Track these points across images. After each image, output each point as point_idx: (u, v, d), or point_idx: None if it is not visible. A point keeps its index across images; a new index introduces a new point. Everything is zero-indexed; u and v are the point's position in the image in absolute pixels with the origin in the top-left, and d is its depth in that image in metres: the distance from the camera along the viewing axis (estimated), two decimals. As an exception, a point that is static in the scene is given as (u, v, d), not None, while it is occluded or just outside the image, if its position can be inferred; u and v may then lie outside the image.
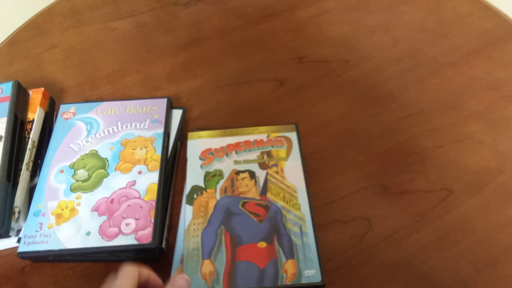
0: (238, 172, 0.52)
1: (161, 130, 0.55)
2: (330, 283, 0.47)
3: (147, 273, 0.38)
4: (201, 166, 0.53)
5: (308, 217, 0.49)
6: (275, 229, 0.47)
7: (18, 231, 0.49)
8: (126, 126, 0.55)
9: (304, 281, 0.43)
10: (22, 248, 0.46)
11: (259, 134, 0.55)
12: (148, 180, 0.50)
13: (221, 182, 0.51)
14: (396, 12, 0.78)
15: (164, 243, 0.48)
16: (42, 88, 0.58)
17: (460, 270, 0.49)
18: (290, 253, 0.45)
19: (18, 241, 0.47)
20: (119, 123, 0.55)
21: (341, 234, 0.51)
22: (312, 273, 0.44)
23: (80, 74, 0.69)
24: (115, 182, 0.50)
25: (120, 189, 0.49)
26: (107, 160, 0.52)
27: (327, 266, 0.48)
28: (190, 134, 0.56)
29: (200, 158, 0.53)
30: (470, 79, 0.67)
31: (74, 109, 0.57)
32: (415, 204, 0.54)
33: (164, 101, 0.58)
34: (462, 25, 0.76)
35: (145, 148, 0.53)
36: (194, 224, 0.48)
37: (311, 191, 0.53)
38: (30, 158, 0.53)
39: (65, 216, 0.47)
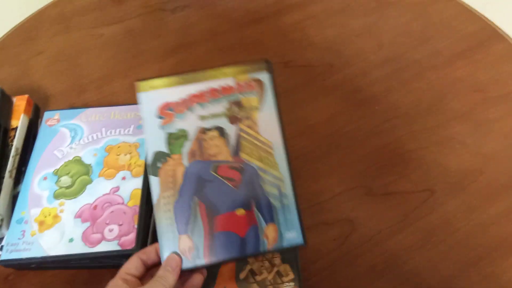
0: (205, 131, 0.45)
1: None
2: (314, 285, 0.48)
3: (135, 264, 0.40)
4: (161, 127, 0.44)
5: (286, 176, 0.44)
6: (253, 193, 0.43)
7: (1, 239, 0.49)
8: (111, 132, 0.55)
9: (286, 244, 0.42)
10: (5, 256, 0.46)
11: (224, 78, 0.46)
12: (132, 186, 0.50)
13: (187, 144, 0.44)
14: (381, 17, 0.79)
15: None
16: (27, 95, 0.59)
17: (442, 270, 0.49)
18: (270, 217, 0.43)
19: (1, 249, 0.47)
20: (103, 129, 0.55)
21: (325, 236, 0.52)
22: (293, 235, 0.42)
23: (66, 80, 0.69)
24: (98, 188, 0.50)
25: (103, 195, 0.49)
26: (91, 166, 0.52)
27: (311, 268, 0.49)
28: (140, 85, 0.45)
29: (158, 116, 0.45)
30: (453, 81, 0.68)
31: (58, 116, 0.57)
32: (398, 205, 0.54)
33: None
34: (446, 28, 0.77)
35: (129, 154, 0.53)
36: (164, 198, 0.43)
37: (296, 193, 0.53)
38: (13, 166, 0.53)
39: (48, 223, 0.48)
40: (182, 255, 0.41)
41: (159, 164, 0.44)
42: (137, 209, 0.48)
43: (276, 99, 0.47)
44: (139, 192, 0.49)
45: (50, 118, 0.56)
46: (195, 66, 0.71)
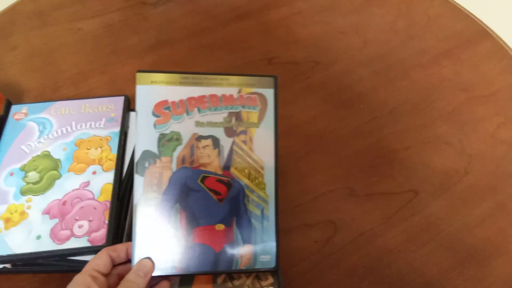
0: (199, 138, 0.43)
1: (117, 129, 0.53)
2: (295, 289, 0.46)
3: (104, 261, 0.38)
4: (155, 125, 0.43)
5: (272, 199, 0.44)
6: (236, 210, 0.43)
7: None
8: (81, 126, 0.53)
9: (258, 266, 0.42)
10: (-32, 254, 0.43)
11: (229, 87, 0.45)
12: (102, 180, 0.48)
13: (179, 149, 0.43)
14: (367, 14, 0.78)
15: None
16: (-2, 91, 0.56)
17: (425, 272, 0.48)
18: (248, 237, 0.42)
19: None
20: (73, 123, 0.53)
21: (307, 238, 0.50)
22: (267, 259, 0.42)
23: (42, 76, 0.67)
24: (68, 184, 0.48)
25: (73, 190, 0.48)
26: (60, 161, 0.50)
27: (292, 271, 0.48)
28: (140, 76, 0.43)
29: (154, 114, 0.43)
30: (439, 80, 0.68)
31: (26, 110, 0.54)
32: (381, 207, 0.53)
33: (121, 99, 0.56)
34: (432, 27, 0.76)
35: (100, 147, 0.51)
36: (146, 199, 0.42)
37: (279, 194, 0.52)
38: (-18, 163, 0.50)
39: (15, 220, 0.46)
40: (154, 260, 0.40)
41: (146, 164, 0.42)
42: (108, 204, 0.47)
43: (276, 119, 0.46)
44: (111, 187, 0.48)
45: (17, 112, 0.54)
46: (176, 64, 0.69)
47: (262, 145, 0.45)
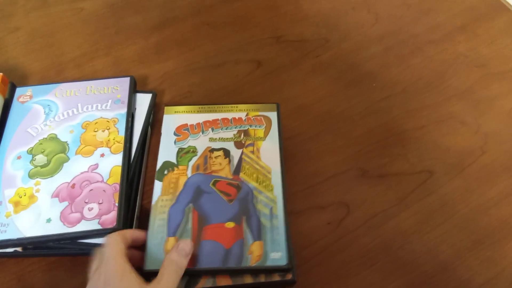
0: (212, 150, 0.50)
1: (124, 111, 0.52)
2: (307, 270, 0.46)
3: (130, 234, 0.40)
4: (175, 142, 0.51)
5: (280, 199, 0.46)
6: (245, 209, 0.45)
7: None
8: (87, 108, 0.52)
9: (269, 263, 0.42)
10: (-21, 238, 0.43)
11: (238, 112, 0.53)
12: (111, 163, 0.48)
13: (194, 159, 0.49)
14: (378, -12, 0.74)
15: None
16: (0, 74, 0.55)
17: (439, 254, 0.47)
18: (258, 234, 0.44)
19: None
20: (79, 105, 0.52)
21: (319, 220, 0.50)
22: (278, 256, 0.42)
23: (45, 58, 0.65)
24: (76, 166, 0.47)
25: (81, 173, 0.47)
26: (67, 144, 0.49)
27: (304, 253, 0.47)
28: (166, 109, 0.54)
29: (175, 134, 0.51)
30: (454, 57, 0.65)
31: (31, 92, 0.53)
32: (395, 188, 0.52)
33: (126, 80, 0.55)
34: (447, 1, 0.73)
35: (107, 129, 0.50)
36: (162, 200, 0.46)
37: (288, 176, 0.51)
38: (-13, 148, 0.50)
39: (24, 203, 0.45)
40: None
41: (165, 172, 0.48)
42: (118, 187, 0.46)
43: (280, 134, 0.52)
44: (119, 169, 0.47)
45: (22, 95, 0.53)
46: (181, 44, 0.67)
47: (268, 154, 0.50)
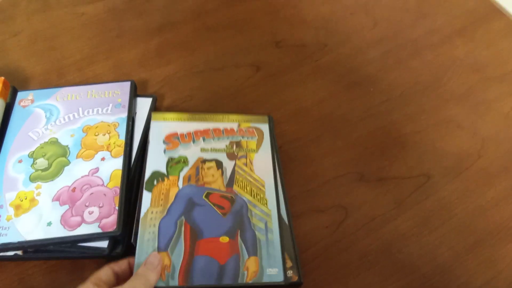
0: (204, 161, 0.48)
1: (124, 115, 0.52)
2: (306, 273, 0.46)
3: (106, 273, 0.38)
4: (165, 151, 0.49)
5: (274, 212, 0.46)
6: (240, 223, 0.44)
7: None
8: (88, 112, 0.52)
9: (265, 280, 0.41)
10: (-20, 241, 0.43)
11: (229, 122, 0.52)
12: (111, 167, 0.48)
13: (185, 169, 0.47)
14: (377, -8, 0.75)
15: (134, 237, 0.46)
16: (2, 78, 0.55)
17: (438, 256, 0.48)
18: (253, 249, 0.43)
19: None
20: (80, 109, 0.53)
21: (317, 223, 0.50)
22: (275, 272, 0.41)
23: (46, 62, 0.66)
24: (77, 170, 0.48)
25: (82, 177, 0.47)
26: (68, 148, 0.49)
27: (303, 256, 0.47)
28: (154, 115, 0.52)
29: (164, 142, 0.49)
30: (451, 60, 0.66)
31: (32, 96, 0.54)
32: (393, 191, 0.52)
33: (127, 85, 0.55)
34: (444, 5, 0.74)
35: (108, 133, 0.50)
36: (152, 212, 0.44)
37: (287, 179, 0.51)
38: (-11, 151, 0.50)
39: (25, 207, 0.45)
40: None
41: (155, 182, 0.46)
42: (118, 190, 0.46)
43: (273, 147, 0.52)
44: (120, 173, 0.47)
45: (23, 99, 0.54)
46: (181, 47, 0.67)
47: (261, 167, 0.49)
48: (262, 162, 0.49)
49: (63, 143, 0.50)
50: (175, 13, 0.72)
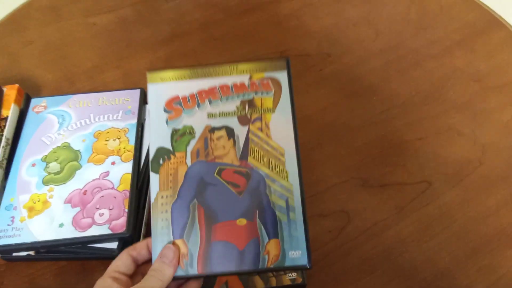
0: (212, 130, 0.42)
1: (134, 121, 0.54)
2: (309, 276, 0.47)
3: (124, 261, 0.37)
4: (167, 122, 0.42)
5: (296, 187, 0.40)
6: (257, 203, 0.39)
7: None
8: (99, 118, 0.54)
9: (288, 263, 0.38)
10: (-6, 242, 0.45)
11: (239, 75, 0.43)
12: (121, 171, 0.50)
13: (192, 142, 0.41)
14: (379, 4, 0.77)
15: (142, 238, 0.48)
16: (17, 85, 0.58)
17: (438, 262, 0.49)
18: (274, 231, 0.39)
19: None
20: (91, 115, 0.55)
21: (320, 228, 0.51)
22: (298, 255, 0.38)
23: (58, 70, 0.68)
24: (88, 174, 0.50)
25: (93, 180, 0.49)
26: (80, 152, 0.51)
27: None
28: (150, 76, 0.43)
29: (165, 110, 0.42)
30: (452, 71, 0.67)
31: (45, 103, 0.56)
32: (394, 197, 0.53)
33: (137, 92, 0.58)
34: (445, 17, 0.75)
35: (118, 139, 0.52)
36: (162, 197, 0.40)
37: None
38: (3, 156, 0.52)
39: (38, 209, 0.47)
40: None
41: (161, 161, 0.41)
42: (128, 193, 0.48)
43: (293, 102, 0.42)
44: (129, 177, 0.49)
45: (37, 105, 0.56)
46: (188, 57, 0.69)
47: (280, 131, 0.41)
48: (281, 125, 0.41)
49: (75, 147, 0.52)
50: (183, 24, 0.75)
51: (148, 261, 0.39)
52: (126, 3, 0.78)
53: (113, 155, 0.51)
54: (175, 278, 0.37)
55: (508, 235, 0.51)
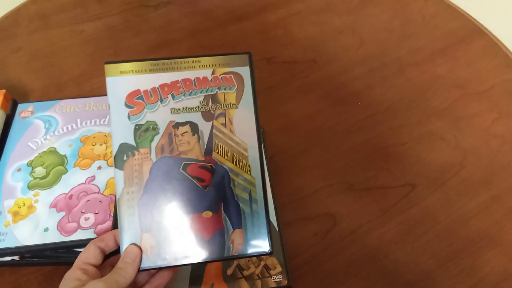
0: (177, 125, 0.42)
1: None
2: (295, 279, 0.48)
3: (92, 253, 0.38)
4: (129, 117, 0.41)
5: (258, 180, 0.42)
6: (222, 196, 0.41)
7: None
8: (86, 123, 0.55)
9: (251, 251, 0.40)
10: (-22, 247, 0.45)
11: (201, 69, 0.43)
12: (107, 175, 0.50)
13: (157, 138, 0.41)
14: (363, 14, 0.79)
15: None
16: (3, 90, 0.57)
17: (422, 263, 0.50)
18: (238, 222, 0.41)
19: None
20: (78, 120, 0.55)
21: (306, 231, 0.52)
22: (260, 243, 0.40)
23: (45, 77, 0.68)
24: (74, 178, 0.50)
25: (79, 184, 0.49)
26: (66, 157, 0.52)
27: (292, 263, 0.49)
28: (108, 68, 0.41)
29: (126, 105, 0.41)
30: (434, 78, 0.69)
31: (32, 108, 0.56)
32: (379, 200, 0.54)
33: None
34: (427, 26, 0.78)
35: (105, 143, 0.53)
36: (128, 193, 0.40)
37: (277, 189, 0.53)
38: (-11, 161, 0.52)
39: (23, 213, 0.47)
40: (143, 254, 0.39)
41: (125, 158, 0.41)
42: (113, 198, 0.48)
43: (255, 97, 0.43)
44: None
45: (23, 110, 0.56)
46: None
47: (243, 126, 0.42)
48: (244, 120, 0.42)
49: (61, 152, 0.52)
50: (171, 32, 0.76)
51: (116, 252, 0.40)
52: (114, 11, 0.79)
53: (100, 159, 0.51)
54: (144, 270, 0.39)
55: (490, 237, 0.52)
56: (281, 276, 0.46)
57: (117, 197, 0.40)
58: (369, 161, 0.58)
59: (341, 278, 0.48)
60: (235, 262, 0.47)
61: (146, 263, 0.39)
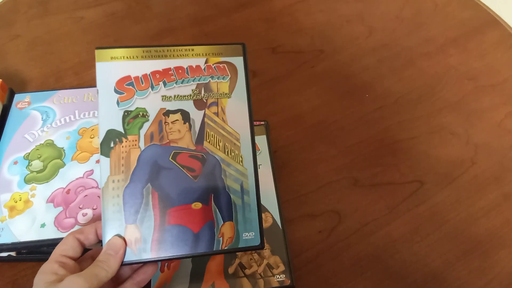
0: (167, 113, 0.41)
1: None
2: (298, 278, 0.46)
3: (71, 245, 0.36)
4: (118, 103, 0.40)
5: (250, 171, 0.41)
6: (213, 187, 0.40)
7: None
8: (84, 115, 0.53)
9: (241, 245, 0.39)
10: (-26, 242, 0.44)
11: (195, 58, 0.42)
12: None
13: (146, 125, 0.40)
14: (373, 2, 0.76)
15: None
16: (0, 80, 0.56)
17: (429, 263, 0.48)
18: (229, 214, 0.39)
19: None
20: (76, 112, 0.53)
21: (310, 229, 0.50)
22: (251, 236, 0.39)
23: (44, 66, 0.66)
24: (71, 172, 0.48)
25: (77, 179, 0.48)
26: (64, 150, 0.50)
27: (295, 261, 0.48)
28: (99, 53, 0.40)
29: (116, 91, 0.40)
30: (446, 69, 0.67)
31: (29, 99, 0.54)
32: (386, 197, 0.53)
33: None
34: (439, 15, 0.75)
35: None
36: (113, 181, 0.38)
37: (281, 184, 0.52)
38: (-14, 153, 0.51)
39: (19, 208, 0.46)
40: (127, 246, 0.38)
41: (112, 144, 0.39)
42: None
43: (248, 88, 0.43)
44: None
45: (20, 101, 0.54)
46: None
47: (235, 116, 0.42)
48: (237, 110, 0.42)
49: (59, 145, 0.50)
50: (173, 20, 0.73)
51: (96, 244, 0.38)
52: (116, -3, 0.77)
53: (98, 153, 0.49)
54: (127, 264, 0.37)
55: (500, 237, 0.50)
56: (284, 276, 0.45)
57: (101, 186, 0.38)
58: (376, 156, 0.56)
59: (344, 278, 0.47)
60: (237, 260, 0.46)
61: (130, 257, 0.37)
